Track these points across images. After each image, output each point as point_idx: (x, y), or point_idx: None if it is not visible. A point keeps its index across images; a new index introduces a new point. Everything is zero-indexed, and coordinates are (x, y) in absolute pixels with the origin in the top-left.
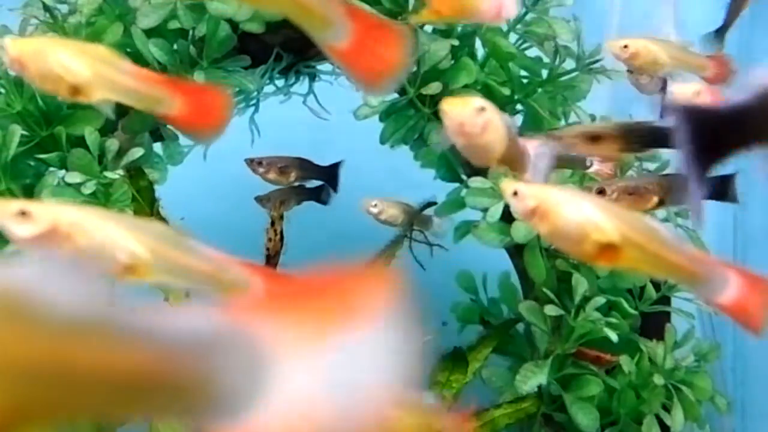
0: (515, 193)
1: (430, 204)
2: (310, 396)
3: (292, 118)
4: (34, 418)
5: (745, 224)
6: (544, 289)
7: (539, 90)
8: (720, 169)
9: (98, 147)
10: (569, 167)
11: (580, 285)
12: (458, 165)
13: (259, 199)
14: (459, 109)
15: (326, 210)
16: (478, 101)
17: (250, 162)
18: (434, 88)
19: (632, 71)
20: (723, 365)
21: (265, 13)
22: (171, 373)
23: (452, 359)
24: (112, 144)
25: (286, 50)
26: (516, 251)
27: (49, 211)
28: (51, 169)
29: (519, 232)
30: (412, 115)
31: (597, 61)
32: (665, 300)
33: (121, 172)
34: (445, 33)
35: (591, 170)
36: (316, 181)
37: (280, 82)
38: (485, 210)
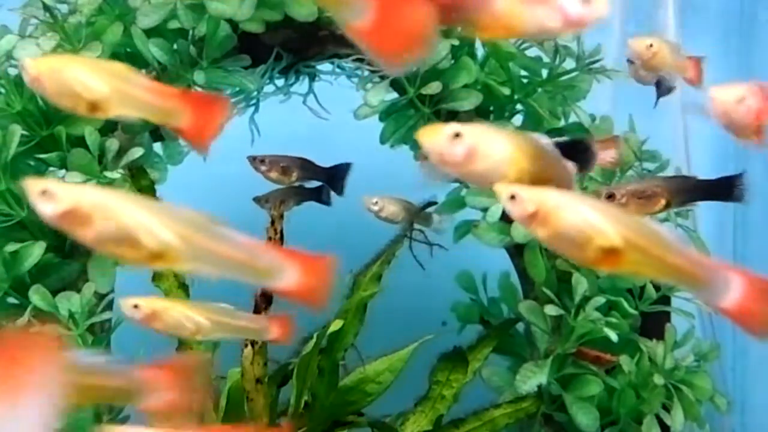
0: (512, 197)
1: (430, 204)
2: None
3: (292, 118)
4: None
5: (745, 221)
6: (544, 289)
7: (539, 90)
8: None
9: (98, 147)
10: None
11: (580, 285)
12: None
13: (258, 200)
14: (431, 138)
15: (326, 209)
16: (452, 127)
17: (253, 160)
18: (434, 87)
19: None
20: (723, 365)
21: (265, 13)
22: None
23: (452, 359)
24: (112, 144)
25: (286, 50)
26: (516, 251)
27: (71, 192)
28: (51, 168)
29: (519, 231)
30: (412, 114)
31: (597, 60)
32: (665, 300)
33: (121, 171)
34: (445, 33)
35: None
36: (317, 181)
37: (280, 82)
38: (485, 209)
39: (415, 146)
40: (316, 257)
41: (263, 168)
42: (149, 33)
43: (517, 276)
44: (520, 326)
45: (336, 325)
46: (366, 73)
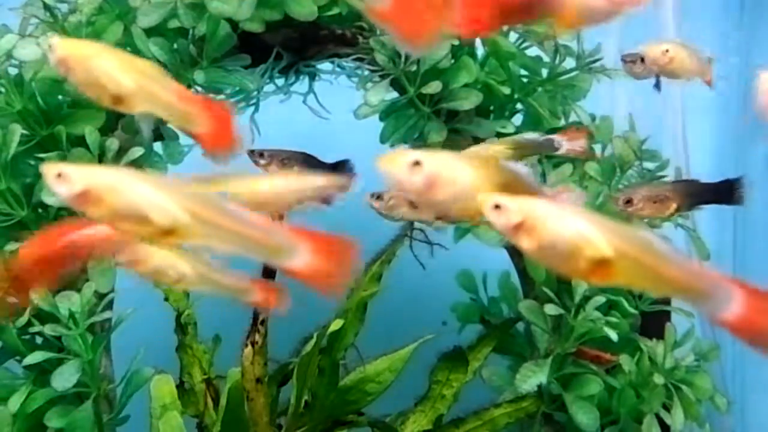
0: (497, 206)
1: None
2: None
3: (292, 118)
4: None
5: (745, 221)
6: (545, 289)
7: (539, 89)
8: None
9: (98, 146)
10: (537, 153)
11: (580, 284)
12: None
13: None
14: (389, 166)
15: (326, 208)
16: (412, 155)
17: (251, 153)
18: (434, 87)
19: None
20: (723, 366)
21: (265, 12)
22: None
23: (452, 358)
24: (112, 143)
25: (286, 50)
26: (516, 250)
27: (83, 174)
28: None
29: None
30: (412, 114)
31: (597, 60)
32: (665, 299)
33: None
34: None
35: (561, 151)
36: None
37: (280, 82)
38: None
39: (415, 145)
40: (333, 238)
41: (262, 162)
42: (149, 32)
43: (517, 275)
44: (520, 326)
45: (336, 324)
46: (366, 72)
